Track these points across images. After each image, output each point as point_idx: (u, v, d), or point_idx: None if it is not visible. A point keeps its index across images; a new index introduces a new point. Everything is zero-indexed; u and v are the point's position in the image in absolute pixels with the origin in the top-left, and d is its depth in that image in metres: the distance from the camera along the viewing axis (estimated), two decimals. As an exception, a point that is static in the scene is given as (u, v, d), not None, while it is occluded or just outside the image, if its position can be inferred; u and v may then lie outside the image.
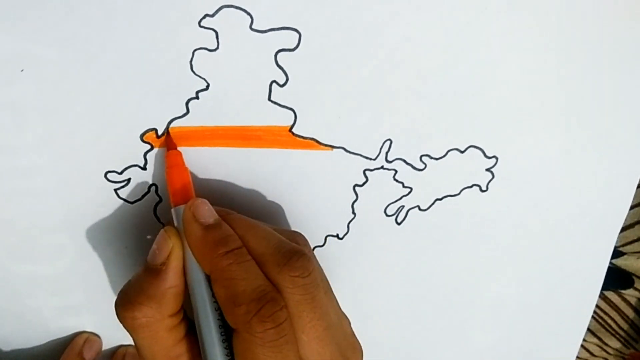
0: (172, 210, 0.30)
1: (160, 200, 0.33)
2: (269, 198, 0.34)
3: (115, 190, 0.33)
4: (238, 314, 0.26)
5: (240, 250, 0.28)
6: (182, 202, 0.30)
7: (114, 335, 0.38)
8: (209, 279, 0.29)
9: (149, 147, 0.31)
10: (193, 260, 0.29)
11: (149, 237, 0.34)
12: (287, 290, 0.28)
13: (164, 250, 0.29)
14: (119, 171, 0.32)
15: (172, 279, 0.29)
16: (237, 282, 0.27)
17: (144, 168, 0.32)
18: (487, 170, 0.36)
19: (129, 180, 0.32)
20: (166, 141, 0.31)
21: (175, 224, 0.30)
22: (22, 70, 0.29)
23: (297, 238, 0.32)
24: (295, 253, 0.28)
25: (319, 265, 0.30)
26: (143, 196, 0.33)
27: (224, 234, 0.29)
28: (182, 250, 0.29)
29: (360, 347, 0.32)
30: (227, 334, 0.28)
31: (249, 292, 0.27)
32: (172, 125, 0.31)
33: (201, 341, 0.29)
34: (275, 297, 0.27)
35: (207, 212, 0.29)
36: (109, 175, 0.32)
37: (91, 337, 0.37)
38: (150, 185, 0.33)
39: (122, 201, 0.33)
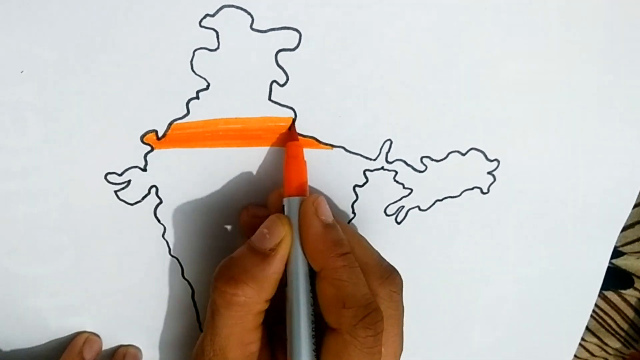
0: (285, 200, 0.31)
1: (161, 201, 0.33)
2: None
3: (115, 191, 0.32)
4: (345, 315, 0.27)
5: (351, 256, 0.29)
6: (296, 193, 0.30)
7: (114, 335, 0.38)
8: (309, 273, 0.29)
9: (149, 148, 0.31)
10: (300, 252, 0.30)
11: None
12: (384, 303, 0.29)
13: (276, 236, 0.29)
14: (119, 172, 0.32)
15: (278, 266, 0.29)
16: (348, 285, 0.28)
17: (144, 169, 0.32)
18: (489, 173, 0.35)
19: (129, 181, 0.32)
20: (290, 132, 0.32)
21: (286, 213, 0.30)
22: (22, 71, 0.28)
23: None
24: (393, 270, 0.30)
25: None
26: (143, 198, 0.33)
27: (340, 236, 0.29)
28: (292, 240, 0.30)
29: None
30: (316, 330, 0.29)
31: (357, 298, 0.28)
32: (172, 125, 0.31)
33: (291, 331, 0.29)
34: (378, 307, 0.28)
35: (328, 210, 0.30)
36: (109, 177, 0.32)
37: (91, 337, 0.37)
38: (151, 187, 0.33)
39: (122, 202, 0.33)
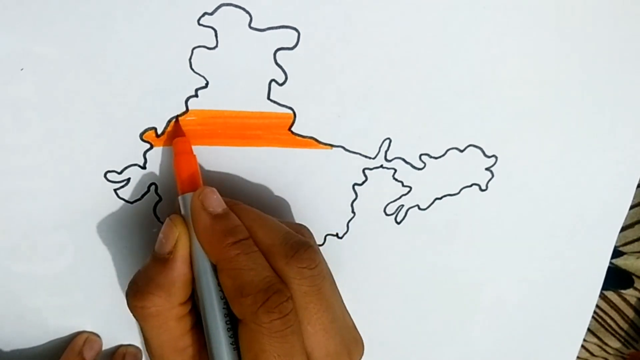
0: (179, 197, 0.30)
1: (160, 199, 0.33)
2: (268, 197, 0.34)
3: (115, 190, 0.33)
4: (245, 304, 0.27)
5: (247, 241, 0.28)
6: (189, 189, 0.30)
7: (114, 335, 0.38)
8: (215, 267, 0.29)
9: (148, 146, 0.31)
10: (199, 248, 0.29)
11: (154, 230, 0.34)
12: (295, 281, 0.28)
13: (171, 239, 0.29)
14: (119, 171, 0.32)
15: (180, 268, 0.29)
16: (244, 273, 0.27)
17: (143, 167, 0.32)
18: (487, 169, 0.36)
19: (128, 179, 0.32)
20: (174, 128, 0.31)
21: (182, 212, 0.30)
22: (21, 69, 0.29)
23: (303, 231, 0.32)
24: (302, 245, 0.28)
25: (324, 258, 0.30)
26: (143, 195, 0.33)
27: (232, 224, 0.29)
28: (189, 239, 0.29)
29: (362, 340, 0.32)
30: (233, 323, 0.28)
31: (256, 283, 0.27)
32: (171, 123, 0.31)
33: (206, 330, 0.29)
34: (281, 288, 0.27)
35: (215, 201, 0.29)
36: (109, 175, 0.32)
37: (91, 337, 0.37)
38: (150, 185, 0.33)
39: (121, 201, 0.33)
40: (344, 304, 0.31)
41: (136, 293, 0.28)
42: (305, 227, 0.32)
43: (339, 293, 0.31)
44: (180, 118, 0.31)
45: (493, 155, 0.35)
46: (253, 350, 0.27)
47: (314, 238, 0.33)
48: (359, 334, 0.32)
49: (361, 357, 0.31)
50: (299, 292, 0.28)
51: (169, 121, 0.31)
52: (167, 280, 0.28)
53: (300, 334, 0.28)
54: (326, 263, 0.30)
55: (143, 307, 0.28)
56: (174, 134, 0.31)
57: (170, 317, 0.29)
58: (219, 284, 0.29)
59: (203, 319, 0.29)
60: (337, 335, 0.29)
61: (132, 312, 0.29)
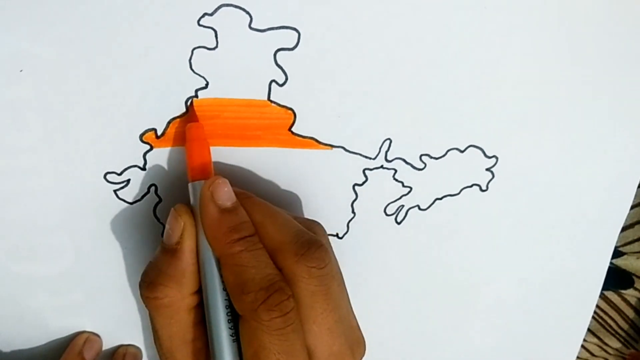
0: (189, 185, 0.30)
1: (160, 200, 0.33)
2: (268, 197, 0.34)
3: (115, 191, 0.33)
4: (245, 301, 0.27)
5: (252, 238, 0.28)
6: (200, 177, 0.30)
7: (114, 335, 0.38)
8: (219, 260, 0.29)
9: (148, 147, 0.31)
10: (205, 240, 0.29)
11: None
12: (303, 280, 0.28)
13: (176, 230, 0.29)
14: (119, 172, 0.32)
15: (188, 258, 0.29)
16: (246, 270, 0.27)
17: (143, 168, 0.32)
18: (487, 169, 0.36)
19: (128, 181, 0.32)
20: (189, 114, 0.31)
21: (192, 200, 0.30)
22: (21, 71, 0.29)
23: (315, 227, 0.32)
24: (313, 243, 0.28)
25: (335, 256, 0.31)
26: (142, 197, 0.33)
27: (239, 219, 0.29)
28: (196, 228, 0.29)
29: (364, 341, 0.32)
30: (234, 317, 0.29)
31: (257, 280, 0.27)
32: (171, 124, 0.31)
33: (208, 321, 0.29)
34: (282, 286, 0.27)
35: (225, 194, 0.29)
36: (109, 177, 0.32)
37: (91, 337, 0.37)
38: (150, 186, 0.33)
39: (121, 202, 0.33)
40: (350, 303, 0.31)
41: (149, 285, 0.28)
42: (318, 223, 0.32)
43: (346, 292, 0.31)
44: (179, 119, 0.31)
45: (493, 156, 0.35)
46: (253, 346, 0.27)
47: (326, 235, 0.33)
48: (362, 335, 0.32)
49: (362, 357, 0.32)
50: (307, 291, 0.28)
51: (169, 122, 0.31)
52: (177, 271, 0.28)
53: (301, 332, 0.28)
54: (336, 261, 0.31)
55: (156, 298, 0.28)
56: (188, 119, 0.31)
57: (182, 308, 0.29)
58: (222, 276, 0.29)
59: (205, 309, 0.29)
60: (341, 335, 0.29)
61: (145, 303, 0.29)
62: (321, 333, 0.28)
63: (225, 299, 0.29)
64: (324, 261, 0.28)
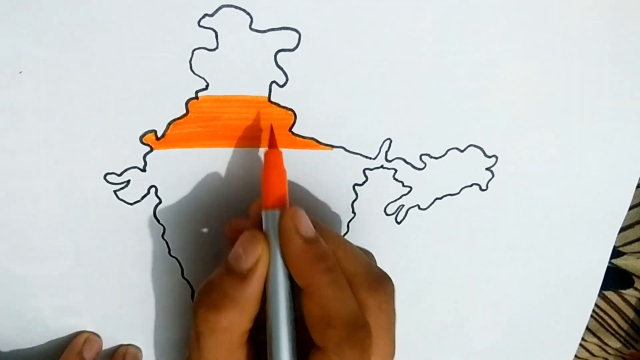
0: (263, 213, 0.29)
1: (160, 201, 0.33)
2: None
3: (115, 191, 0.32)
4: (331, 335, 0.27)
5: (337, 269, 0.28)
6: (275, 206, 0.29)
7: (114, 335, 0.38)
8: (290, 289, 0.28)
9: (148, 148, 0.31)
10: (280, 269, 0.28)
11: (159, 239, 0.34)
12: (373, 314, 0.28)
13: (252, 256, 0.28)
14: (119, 173, 0.32)
15: (256, 286, 0.28)
16: (333, 303, 0.27)
17: (143, 170, 0.32)
18: (487, 169, 0.36)
19: (128, 182, 0.32)
20: (269, 139, 0.30)
21: (264, 227, 0.29)
22: (20, 72, 0.29)
23: (372, 258, 0.33)
24: (385, 278, 0.29)
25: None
26: (142, 198, 0.33)
27: (323, 249, 0.28)
28: (269, 257, 0.29)
29: None
30: (298, 346, 0.28)
31: (343, 315, 0.27)
32: (171, 126, 0.31)
33: (270, 350, 0.28)
34: (366, 323, 0.27)
35: (308, 224, 0.28)
36: (109, 177, 0.32)
37: (91, 337, 0.37)
38: (150, 187, 0.33)
39: (121, 203, 0.33)
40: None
41: (210, 307, 0.27)
42: (371, 253, 0.33)
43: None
44: (179, 121, 0.31)
45: (493, 155, 0.35)
46: None
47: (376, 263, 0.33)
48: None
49: None
50: (375, 325, 0.28)
51: (169, 124, 0.31)
52: (244, 297, 0.28)
53: None
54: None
55: (216, 321, 0.27)
56: (269, 144, 0.30)
57: (238, 332, 0.28)
58: (292, 307, 0.29)
59: (269, 339, 0.28)
60: None
61: (199, 323, 0.28)
62: None
63: (293, 331, 0.28)
64: (392, 296, 0.29)
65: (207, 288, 0.28)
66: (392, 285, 0.29)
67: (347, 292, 0.28)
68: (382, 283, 0.29)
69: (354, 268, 0.29)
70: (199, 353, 0.29)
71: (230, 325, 0.28)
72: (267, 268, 0.28)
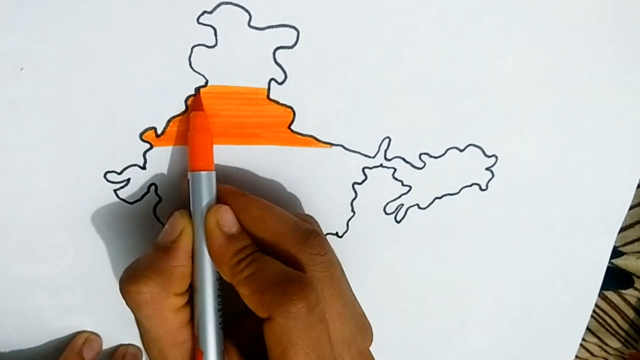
0: (189, 174, 0.30)
1: (160, 200, 0.33)
2: (268, 195, 0.34)
3: (115, 190, 0.32)
4: (267, 301, 0.27)
5: (256, 254, 0.29)
6: (201, 168, 0.30)
7: (114, 335, 0.38)
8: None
9: (148, 146, 0.31)
10: (204, 244, 0.29)
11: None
12: (308, 267, 0.28)
13: (176, 229, 0.29)
14: (119, 171, 0.32)
15: (181, 258, 0.29)
16: (257, 275, 0.27)
17: (143, 167, 0.32)
18: (487, 169, 0.36)
19: (128, 180, 0.32)
20: (193, 102, 0.31)
21: (190, 189, 0.30)
22: (21, 69, 0.29)
23: (309, 220, 0.32)
24: (312, 232, 0.29)
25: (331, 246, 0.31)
26: (143, 196, 0.33)
27: (244, 244, 0.29)
28: (193, 232, 0.30)
29: (371, 326, 0.32)
30: (224, 321, 0.29)
31: (270, 279, 0.27)
32: (171, 123, 0.31)
33: (197, 322, 0.29)
34: (299, 276, 0.27)
35: (230, 220, 0.29)
36: (109, 176, 0.32)
37: (91, 337, 0.37)
38: (150, 185, 0.33)
39: (121, 201, 0.33)
40: (352, 290, 0.31)
41: (131, 277, 0.28)
42: (311, 217, 0.33)
43: (347, 280, 0.31)
44: (179, 118, 0.31)
45: (493, 155, 0.35)
46: (281, 344, 0.26)
47: (320, 227, 0.33)
48: (368, 320, 0.32)
49: (371, 343, 0.32)
50: (313, 278, 0.28)
51: (169, 121, 0.31)
52: (166, 267, 0.28)
53: (326, 322, 0.27)
54: (334, 251, 0.31)
55: (137, 291, 0.28)
56: (192, 107, 0.31)
57: (166, 307, 0.28)
58: (218, 279, 0.29)
59: (196, 311, 0.29)
60: (350, 320, 0.30)
61: (125, 299, 0.28)
62: (331, 319, 0.28)
63: (219, 302, 0.29)
64: (324, 248, 0.29)
65: (132, 264, 0.29)
66: (324, 238, 0.29)
67: (269, 262, 0.28)
68: (309, 237, 0.29)
69: (280, 228, 0.29)
70: (143, 337, 0.30)
71: (154, 297, 0.28)
72: (190, 242, 0.29)
